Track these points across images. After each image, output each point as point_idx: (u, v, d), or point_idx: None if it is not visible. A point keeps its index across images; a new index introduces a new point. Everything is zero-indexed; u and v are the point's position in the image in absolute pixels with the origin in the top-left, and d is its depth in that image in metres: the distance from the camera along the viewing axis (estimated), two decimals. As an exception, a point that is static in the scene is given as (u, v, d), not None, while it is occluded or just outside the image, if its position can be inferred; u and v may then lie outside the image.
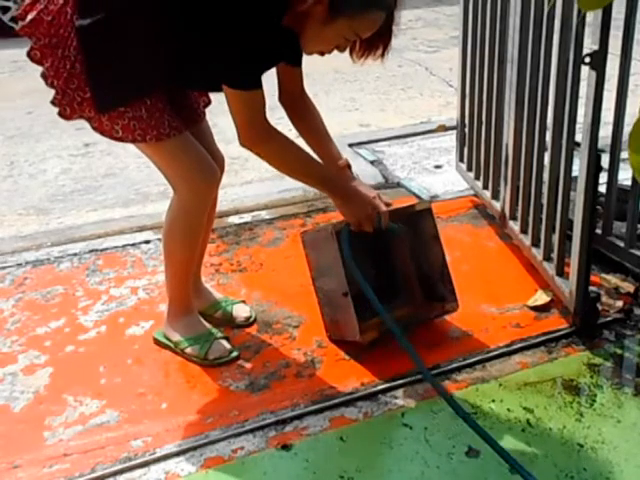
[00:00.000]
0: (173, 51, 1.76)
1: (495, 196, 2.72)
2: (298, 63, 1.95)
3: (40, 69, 1.80)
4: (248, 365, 2.03)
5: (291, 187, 3.18)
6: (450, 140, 3.49)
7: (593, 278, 2.24)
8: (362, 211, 1.93)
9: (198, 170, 1.89)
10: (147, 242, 2.76)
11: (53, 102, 1.80)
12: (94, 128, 1.82)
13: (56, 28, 1.74)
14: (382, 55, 1.80)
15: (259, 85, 1.73)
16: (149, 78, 1.78)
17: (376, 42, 1.77)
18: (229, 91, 1.73)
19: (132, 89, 1.77)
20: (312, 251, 2.10)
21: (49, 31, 1.74)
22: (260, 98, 1.75)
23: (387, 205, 2.01)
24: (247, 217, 2.95)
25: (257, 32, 1.67)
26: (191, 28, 1.73)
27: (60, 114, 1.82)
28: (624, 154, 2.29)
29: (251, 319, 2.23)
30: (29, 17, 1.76)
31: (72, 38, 1.73)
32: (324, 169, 1.97)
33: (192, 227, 1.97)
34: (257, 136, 1.80)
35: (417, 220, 2.16)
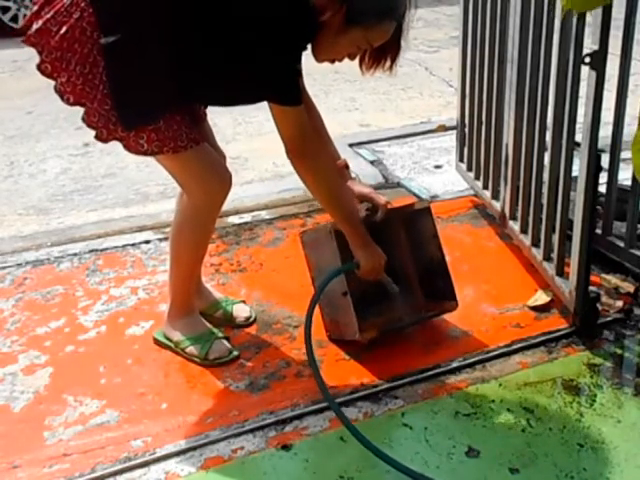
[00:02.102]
0: (202, 69, 1.76)
1: (495, 196, 2.72)
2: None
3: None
4: (248, 365, 2.03)
5: (291, 187, 3.18)
6: (450, 140, 3.49)
7: (593, 278, 2.24)
8: (377, 260, 1.95)
9: (212, 174, 1.89)
10: (147, 242, 2.76)
11: (89, 125, 1.77)
12: (125, 147, 1.80)
13: (70, 42, 1.69)
14: (390, 67, 1.83)
15: (301, 101, 1.77)
16: (173, 96, 1.77)
17: (385, 54, 1.81)
18: (278, 109, 1.75)
19: (157, 107, 1.76)
20: (312, 251, 2.10)
21: (61, 44, 1.69)
22: (304, 113, 1.78)
23: (386, 202, 2.03)
24: (247, 217, 2.95)
25: (298, 51, 1.72)
26: (222, 45, 1.73)
27: (97, 137, 1.78)
28: (624, 154, 2.29)
29: (251, 319, 2.24)
30: (35, 27, 1.71)
31: (94, 56, 1.69)
32: (354, 206, 1.97)
33: (202, 229, 1.98)
34: (307, 150, 1.81)
35: (416, 219, 2.16)
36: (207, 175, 1.89)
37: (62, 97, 1.75)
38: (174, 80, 1.75)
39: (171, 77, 1.74)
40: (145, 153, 1.80)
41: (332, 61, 1.83)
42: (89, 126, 1.77)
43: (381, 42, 1.76)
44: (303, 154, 1.81)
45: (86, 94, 1.72)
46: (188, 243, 1.99)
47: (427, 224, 2.16)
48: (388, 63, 1.83)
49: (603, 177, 2.08)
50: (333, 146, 2.08)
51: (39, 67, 1.74)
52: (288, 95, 1.74)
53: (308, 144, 1.80)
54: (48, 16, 1.70)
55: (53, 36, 1.70)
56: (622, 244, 2.37)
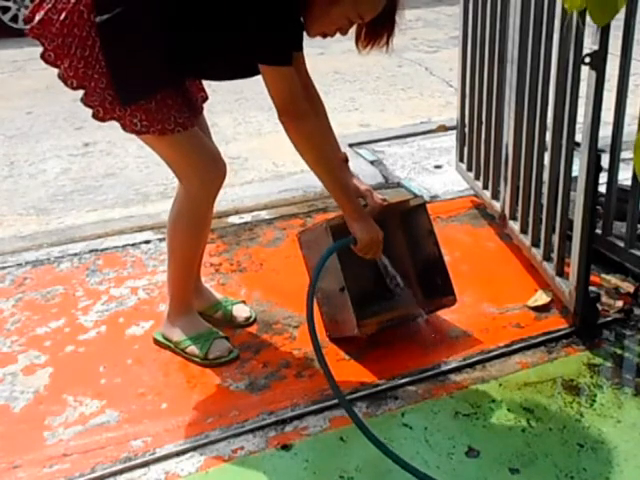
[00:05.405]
0: (194, 39, 1.78)
1: (495, 196, 2.72)
2: (300, 47, 1.91)
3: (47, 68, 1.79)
4: (248, 365, 2.03)
5: (291, 187, 3.18)
6: (450, 140, 3.49)
7: (593, 278, 2.24)
8: (374, 234, 1.90)
9: (205, 160, 1.91)
10: (147, 242, 2.77)
11: (86, 104, 1.80)
12: (122, 126, 1.82)
13: (70, 27, 1.72)
14: (387, 44, 1.82)
15: (292, 62, 1.75)
16: (168, 69, 1.79)
17: (380, 30, 1.80)
18: (268, 70, 1.74)
19: (153, 81, 1.78)
20: (309, 251, 2.10)
21: (62, 31, 1.73)
22: (295, 75, 1.77)
23: (382, 201, 2.03)
24: (247, 217, 2.95)
25: (288, 17, 1.71)
26: (213, 12, 1.74)
27: (94, 116, 1.81)
28: (624, 154, 2.29)
29: (251, 319, 2.23)
30: (37, 18, 1.75)
31: (93, 37, 1.72)
32: (348, 178, 1.94)
33: (198, 219, 1.98)
34: (298, 110, 1.79)
35: (412, 216, 2.17)
36: (201, 160, 1.90)
37: (66, 83, 1.78)
38: (168, 53, 1.77)
39: (165, 50, 1.76)
40: (139, 132, 1.83)
41: (324, 35, 1.82)
42: (87, 105, 1.80)
43: (372, 16, 1.75)
44: (294, 115, 1.79)
45: (88, 76, 1.76)
46: (184, 234, 1.99)
47: (423, 220, 2.17)
48: (383, 40, 1.81)
49: (603, 177, 2.08)
50: (336, 140, 2.07)
51: (43, 56, 1.77)
52: (278, 55, 1.72)
53: (299, 105, 1.78)
54: (49, 6, 1.75)
55: (54, 24, 1.73)
56: (622, 244, 2.37)
